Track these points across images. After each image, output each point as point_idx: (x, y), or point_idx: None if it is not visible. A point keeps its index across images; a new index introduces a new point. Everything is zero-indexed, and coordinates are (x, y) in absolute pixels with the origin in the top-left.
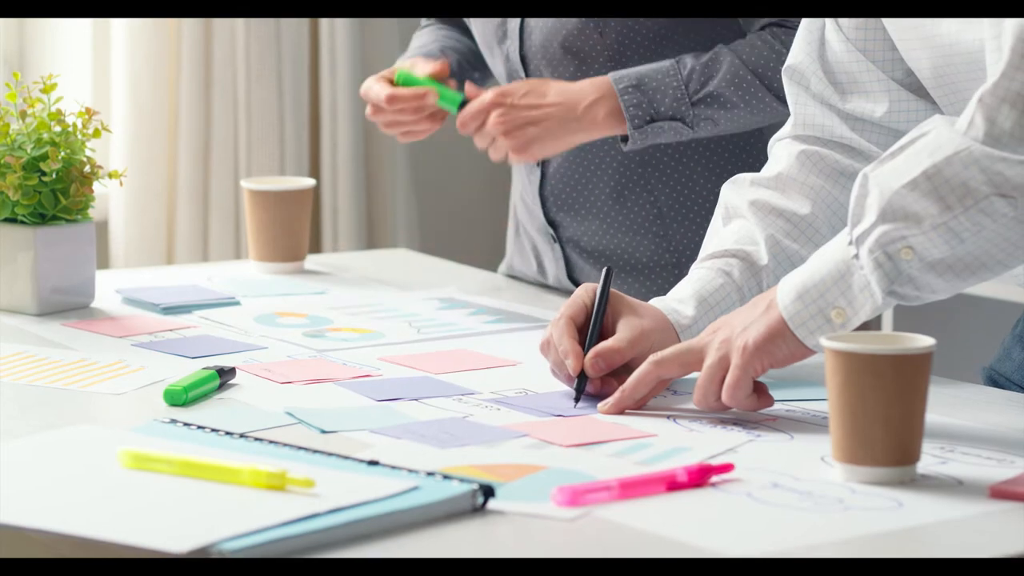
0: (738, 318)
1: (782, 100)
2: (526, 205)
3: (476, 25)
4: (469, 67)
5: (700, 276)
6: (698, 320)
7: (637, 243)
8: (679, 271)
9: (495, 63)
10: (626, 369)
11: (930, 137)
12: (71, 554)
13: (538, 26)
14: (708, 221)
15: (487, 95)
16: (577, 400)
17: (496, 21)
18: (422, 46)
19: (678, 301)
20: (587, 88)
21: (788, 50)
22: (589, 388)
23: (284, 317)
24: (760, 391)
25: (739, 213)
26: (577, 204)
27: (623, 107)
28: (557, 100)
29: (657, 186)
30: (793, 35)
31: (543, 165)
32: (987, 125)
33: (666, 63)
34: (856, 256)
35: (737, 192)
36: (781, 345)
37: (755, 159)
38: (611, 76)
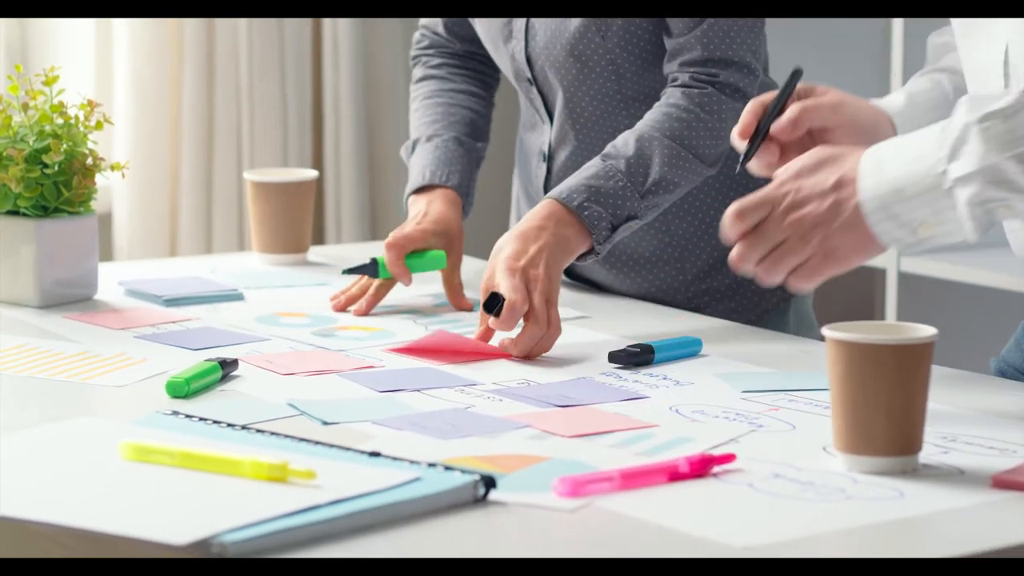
0: (815, 204)
1: (707, 163)
2: (530, 198)
3: (481, 24)
4: (472, 147)
5: (911, 82)
6: (904, 111)
7: (639, 238)
8: (681, 265)
9: (501, 60)
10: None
11: None
12: (73, 546)
13: (542, 27)
14: (709, 216)
15: (505, 286)
16: (744, 162)
17: (501, 20)
18: (435, 138)
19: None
20: (539, 222)
21: (706, 107)
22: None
23: (286, 317)
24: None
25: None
26: None
27: (587, 223)
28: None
29: (670, 213)
30: (708, 96)
31: (549, 160)
32: None
33: (596, 166)
34: (950, 188)
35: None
36: (862, 259)
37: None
38: (556, 195)
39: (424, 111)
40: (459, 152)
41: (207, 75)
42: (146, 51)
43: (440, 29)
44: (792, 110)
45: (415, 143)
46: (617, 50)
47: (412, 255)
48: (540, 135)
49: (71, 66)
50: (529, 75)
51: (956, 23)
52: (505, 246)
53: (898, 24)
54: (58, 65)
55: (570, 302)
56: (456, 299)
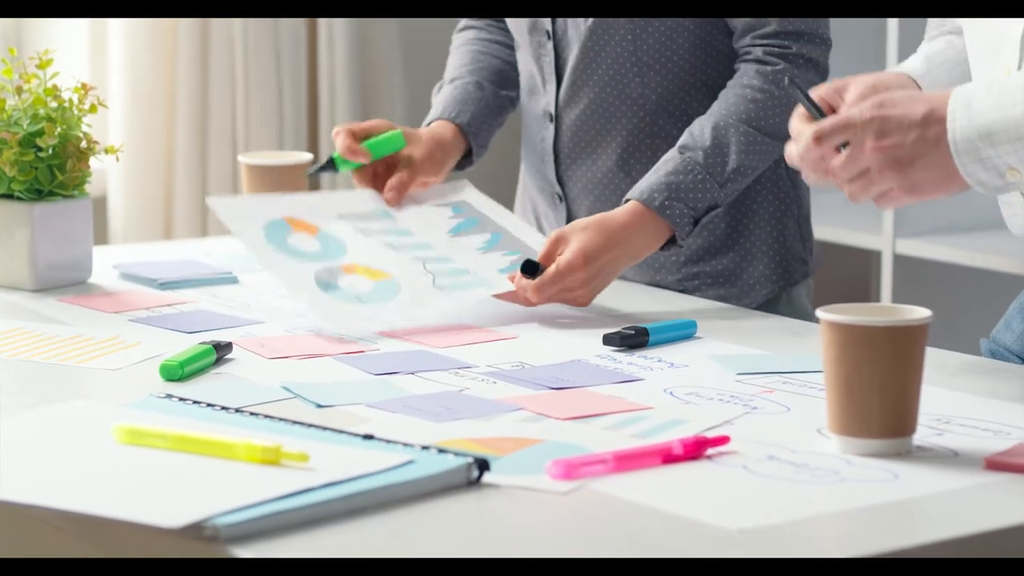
0: (904, 150)
1: (779, 138)
2: (533, 163)
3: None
4: (495, 93)
5: (924, 46)
6: (927, 74)
7: None
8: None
9: (524, 56)
10: None
11: None
12: (67, 529)
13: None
14: None
15: (550, 274)
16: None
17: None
18: (457, 80)
19: (905, 62)
20: (624, 223)
21: (781, 84)
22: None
23: (297, 232)
24: None
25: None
26: (587, 163)
27: (669, 222)
28: (611, 261)
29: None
30: (781, 69)
31: (557, 120)
32: None
33: (674, 160)
34: None
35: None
36: (944, 194)
37: None
38: (638, 196)
39: (456, 56)
40: (477, 95)
41: (202, 58)
42: (140, 34)
43: None
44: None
45: (442, 85)
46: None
47: (372, 140)
48: (543, 97)
49: (65, 49)
50: (549, 28)
51: None
52: (587, 229)
53: (893, 24)
54: (52, 48)
55: None
56: (395, 193)
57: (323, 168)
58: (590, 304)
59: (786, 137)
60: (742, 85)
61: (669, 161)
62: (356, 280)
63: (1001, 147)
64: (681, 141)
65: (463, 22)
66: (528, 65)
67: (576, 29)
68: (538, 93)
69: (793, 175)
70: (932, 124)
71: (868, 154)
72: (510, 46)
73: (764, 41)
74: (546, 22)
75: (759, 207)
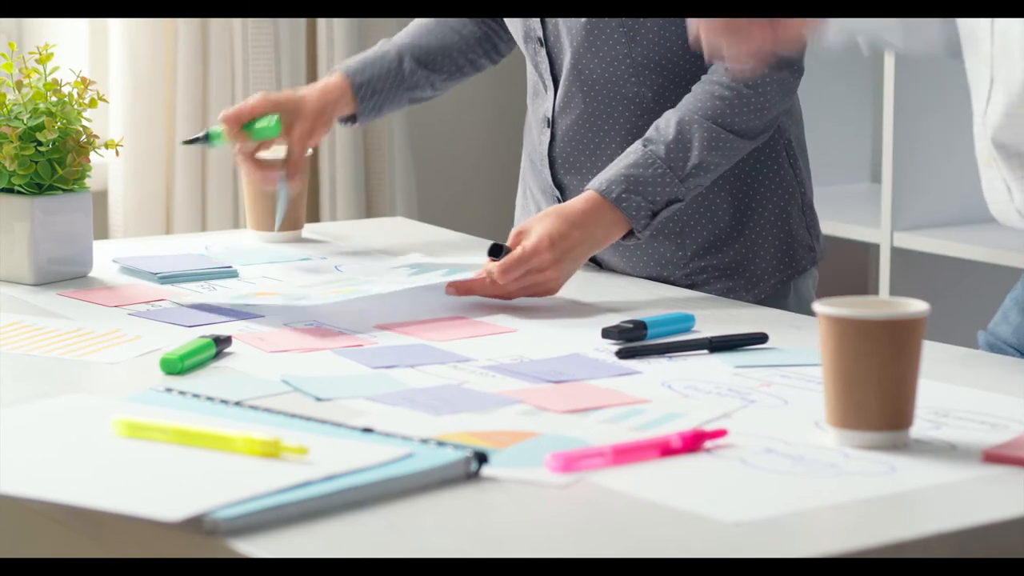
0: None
1: (747, 137)
2: (534, 166)
3: (508, 21)
4: (411, 69)
5: None
6: None
7: None
8: (681, 240)
9: (513, 22)
10: None
11: None
12: (67, 522)
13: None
14: (711, 192)
15: (515, 255)
16: None
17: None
18: (386, 46)
19: None
20: (583, 210)
21: (749, 81)
22: None
23: (259, 297)
24: None
25: None
26: (584, 168)
27: (625, 214)
28: (572, 242)
29: None
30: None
31: (552, 126)
32: None
33: (638, 152)
34: None
35: None
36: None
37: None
38: (596, 187)
39: (411, 25)
40: (387, 64)
41: (202, 52)
42: (141, 29)
43: None
44: None
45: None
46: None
47: (252, 124)
48: (544, 101)
49: (65, 44)
50: (540, 34)
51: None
52: (548, 216)
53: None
54: (52, 43)
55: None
56: (292, 171)
57: (197, 140)
58: (558, 292)
59: (753, 135)
60: (711, 82)
61: (631, 153)
62: (331, 296)
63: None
64: (647, 134)
65: None
66: (531, 72)
67: (569, 34)
68: (540, 98)
69: (795, 162)
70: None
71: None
72: (462, 33)
73: None
74: (538, 30)
75: (763, 197)
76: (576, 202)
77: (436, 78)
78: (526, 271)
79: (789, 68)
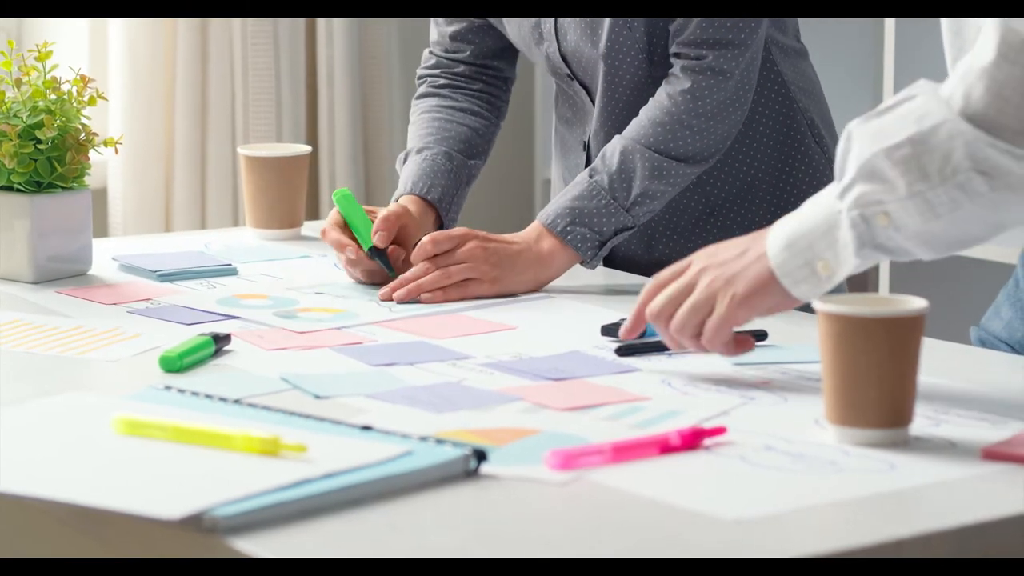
0: (727, 253)
1: (691, 162)
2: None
3: (511, 27)
4: (463, 164)
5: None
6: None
7: (676, 205)
8: (724, 229)
9: (537, 60)
10: None
11: (918, 102)
12: (66, 520)
13: (572, 26)
14: (751, 175)
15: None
16: None
17: (531, 23)
18: (424, 150)
19: None
20: (527, 234)
21: (689, 106)
22: None
23: (246, 299)
24: (738, 338)
25: None
26: None
27: (572, 247)
28: (516, 239)
29: (709, 178)
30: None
31: (588, 149)
32: (963, 101)
33: (582, 184)
34: (840, 211)
35: None
36: (767, 297)
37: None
38: (543, 220)
39: (420, 125)
40: (447, 167)
41: (201, 50)
42: (140, 27)
43: (449, 44)
44: None
45: (407, 155)
46: (645, 39)
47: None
48: (579, 127)
49: (65, 41)
50: (568, 71)
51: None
52: (487, 235)
53: (890, 24)
54: (51, 40)
55: (566, 276)
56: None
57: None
58: (495, 292)
59: (698, 159)
60: (653, 106)
61: (578, 184)
62: (314, 315)
63: (809, 235)
64: (593, 163)
65: (421, 89)
66: (560, 98)
67: (592, 67)
68: (580, 121)
69: (821, 141)
70: (756, 239)
71: (695, 278)
72: (476, 112)
73: (683, 49)
74: (563, 67)
75: (798, 191)
76: (523, 233)
77: (479, 162)
78: (456, 245)
79: (727, 79)
